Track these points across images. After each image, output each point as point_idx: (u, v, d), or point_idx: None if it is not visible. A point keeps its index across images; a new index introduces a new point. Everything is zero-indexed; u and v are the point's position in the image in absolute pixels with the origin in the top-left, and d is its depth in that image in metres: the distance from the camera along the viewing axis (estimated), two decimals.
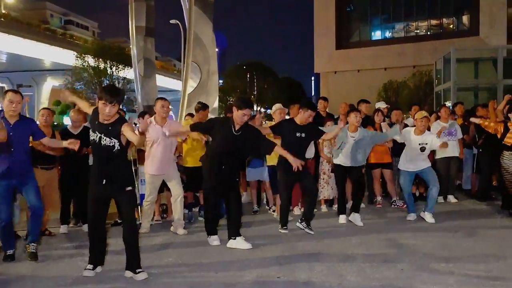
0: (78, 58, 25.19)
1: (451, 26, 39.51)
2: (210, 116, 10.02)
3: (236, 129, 5.28)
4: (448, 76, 17.37)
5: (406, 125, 7.99)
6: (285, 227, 6.06)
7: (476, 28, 35.84)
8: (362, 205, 7.35)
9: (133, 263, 4.31)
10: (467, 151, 8.51)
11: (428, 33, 39.69)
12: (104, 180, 4.27)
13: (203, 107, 7.20)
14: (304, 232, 5.91)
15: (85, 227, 5.98)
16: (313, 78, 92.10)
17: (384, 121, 7.98)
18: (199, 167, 6.92)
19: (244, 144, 5.33)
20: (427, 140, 6.61)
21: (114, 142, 4.24)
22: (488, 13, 35.15)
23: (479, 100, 17.89)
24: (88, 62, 24.90)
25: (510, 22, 35.13)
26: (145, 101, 10.89)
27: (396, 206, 7.72)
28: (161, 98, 6.25)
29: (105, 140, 4.24)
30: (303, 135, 5.93)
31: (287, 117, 7.14)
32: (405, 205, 7.70)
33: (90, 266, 4.38)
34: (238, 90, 32.22)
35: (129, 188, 4.37)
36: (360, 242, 5.46)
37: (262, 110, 36.77)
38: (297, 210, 7.33)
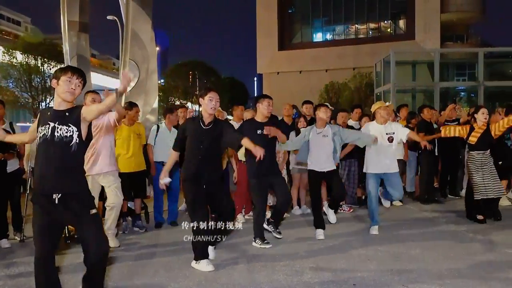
0: (5, 54, 23.51)
1: (389, 30, 40.75)
2: (150, 116, 9.54)
3: (206, 123, 4.84)
4: (387, 78, 17.70)
5: (349, 126, 7.88)
6: (265, 241, 5.51)
7: (412, 32, 37.16)
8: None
9: None
10: (411, 153, 8.51)
11: (367, 36, 40.71)
12: (56, 197, 3.27)
13: (129, 106, 6.58)
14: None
15: None
16: (256, 78, 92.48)
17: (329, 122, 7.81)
18: (133, 173, 6.44)
19: (217, 137, 4.85)
20: (393, 128, 6.09)
21: (72, 132, 3.33)
22: (423, 18, 36.55)
23: (417, 102, 18.39)
24: (16, 58, 23.26)
25: (443, 27, 36.74)
26: (78, 101, 10.16)
27: (343, 211, 7.56)
28: (92, 92, 5.66)
29: (60, 130, 3.32)
30: (263, 131, 5.40)
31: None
32: (351, 210, 7.56)
33: None
34: (179, 90, 31.43)
35: (94, 210, 3.39)
36: (308, 255, 5.19)
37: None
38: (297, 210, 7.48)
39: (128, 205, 6.72)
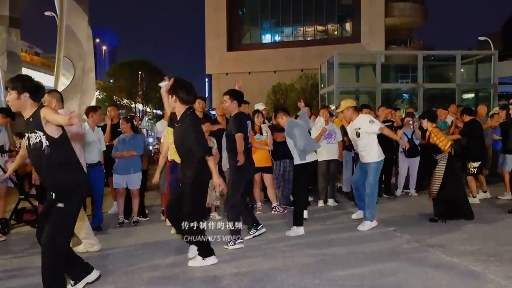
0: None
1: (336, 32, 41.42)
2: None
3: (178, 119, 4.68)
4: (331, 80, 17.82)
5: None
6: (240, 240, 5.41)
7: (358, 35, 37.93)
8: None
9: None
10: (347, 153, 8.50)
11: (315, 38, 41.19)
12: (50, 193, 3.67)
13: (93, 109, 6.65)
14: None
15: None
16: (207, 79, 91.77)
17: (264, 122, 7.68)
18: None
19: (184, 135, 4.62)
20: (359, 124, 6.38)
21: (40, 136, 3.49)
22: (368, 22, 37.39)
23: (360, 103, 18.62)
24: None
25: (388, 31, 37.75)
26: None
27: (276, 212, 7.43)
28: (47, 92, 5.15)
29: (31, 138, 3.53)
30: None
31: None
32: (285, 211, 7.43)
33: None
34: (123, 89, 30.47)
35: (60, 204, 3.58)
36: (230, 259, 4.98)
37: (148, 110, 35.32)
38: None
39: None
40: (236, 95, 5.68)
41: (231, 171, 5.59)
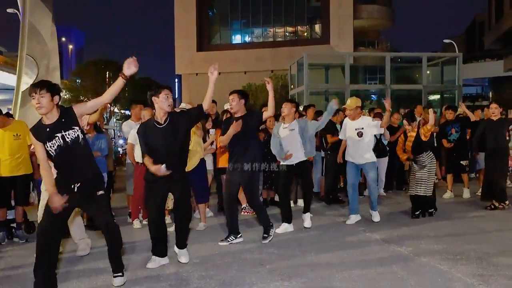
0: None
1: (305, 34, 41.61)
2: None
3: (162, 121, 4.55)
4: (301, 81, 17.88)
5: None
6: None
7: (327, 37, 38.19)
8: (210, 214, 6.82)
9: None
10: (316, 153, 8.49)
11: (285, 39, 41.31)
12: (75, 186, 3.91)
13: None
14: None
15: None
16: (177, 80, 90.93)
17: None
18: (14, 177, 5.93)
19: (177, 132, 4.55)
20: (363, 124, 6.60)
21: (77, 131, 3.86)
22: (337, 23, 37.68)
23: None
24: None
25: (356, 33, 38.17)
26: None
27: (246, 212, 7.36)
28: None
29: (69, 136, 3.82)
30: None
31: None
32: (254, 212, 7.36)
33: None
34: (89, 90, 29.72)
35: (101, 192, 4.01)
36: (199, 262, 4.88)
37: (116, 110, 34.66)
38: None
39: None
40: (244, 95, 5.74)
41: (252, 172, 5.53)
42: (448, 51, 36.44)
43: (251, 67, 38.12)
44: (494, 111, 7.52)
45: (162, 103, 4.51)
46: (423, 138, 6.75)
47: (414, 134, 6.82)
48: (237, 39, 43.15)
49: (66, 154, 3.84)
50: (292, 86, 20.29)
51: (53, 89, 3.78)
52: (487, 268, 4.41)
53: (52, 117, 3.82)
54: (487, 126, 7.67)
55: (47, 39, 8.80)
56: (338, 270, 4.47)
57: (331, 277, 4.26)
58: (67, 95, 29.60)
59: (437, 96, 18.98)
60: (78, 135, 3.85)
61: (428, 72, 17.72)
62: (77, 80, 32.26)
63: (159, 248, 4.73)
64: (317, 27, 40.74)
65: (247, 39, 42.82)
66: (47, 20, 8.81)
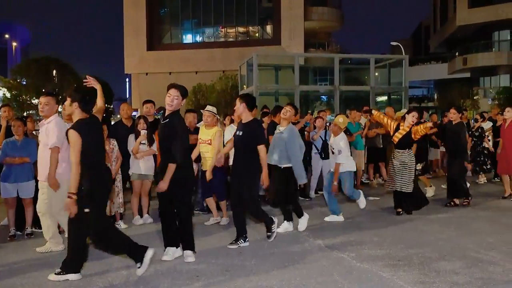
0: None
1: (257, 34, 41.59)
2: None
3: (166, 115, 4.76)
4: (251, 81, 17.68)
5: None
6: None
7: (278, 37, 38.32)
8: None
9: None
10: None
11: (236, 39, 41.10)
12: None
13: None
14: None
15: None
16: (127, 79, 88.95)
17: None
18: None
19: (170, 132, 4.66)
20: (334, 144, 6.74)
21: None
22: (288, 24, 37.89)
23: (280, 104, 18.63)
24: None
25: (307, 34, 38.51)
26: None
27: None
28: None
29: None
30: None
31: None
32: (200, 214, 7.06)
33: None
34: (31, 88, 28.31)
35: None
36: (123, 266, 4.52)
37: (60, 109, 33.27)
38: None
39: None
40: (249, 100, 5.57)
41: (250, 176, 5.38)
42: (395, 54, 37.36)
43: (202, 67, 37.70)
44: (452, 116, 7.94)
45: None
46: (414, 136, 6.88)
47: (407, 129, 6.90)
48: (188, 38, 42.60)
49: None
50: (243, 86, 20.05)
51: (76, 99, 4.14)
52: (428, 275, 4.31)
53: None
54: (448, 129, 8.08)
55: None
56: (277, 278, 4.25)
57: (269, 287, 4.02)
58: (5, 94, 28.09)
59: (384, 98, 19.27)
60: None
61: (376, 74, 17.93)
62: (23, 80, 30.69)
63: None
64: (269, 28, 40.83)
65: (198, 38, 42.34)
66: None
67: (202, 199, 7.34)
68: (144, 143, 6.75)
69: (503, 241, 5.45)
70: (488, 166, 10.03)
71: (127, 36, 40.36)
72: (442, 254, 4.96)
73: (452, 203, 7.71)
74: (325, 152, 8.39)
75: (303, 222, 6.24)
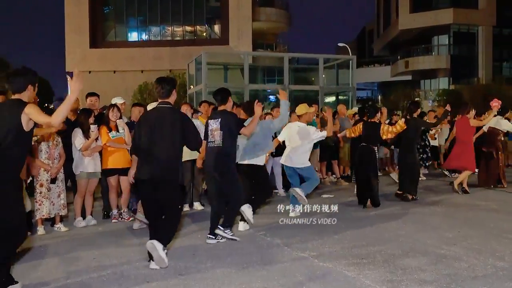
0: None
1: (204, 34, 41.05)
2: None
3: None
4: (199, 80, 17.34)
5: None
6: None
7: (226, 37, 37.97)
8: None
9: None
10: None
11: (184, 38, 40.38)
12: None
13: None
14: None
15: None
16: (69, 77, 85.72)
17: (121, 117, 6.74)
18: None
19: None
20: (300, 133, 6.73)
21: None
22: (236, 24, 37.65)
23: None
24: None
25: (255, 35, 38.45)
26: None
27: (122, 219, 6.58)
28: None
29: None
30: None
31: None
32: (130, 219, 6.59)
33: None
34: None
35: None
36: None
37: None
38: None
39: None
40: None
41: (233, 171, 5.37)
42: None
43: (148, 66, 36.69)
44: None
45: None
46: (383, 135, 7.19)
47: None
48: (133, 36, 41.40)
49: None
50: (191, 86, 19.59)
51: None
52: (395, 272, 4.11)
53: None
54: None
55: None
56: (235, 282, 3.91)
57: None
58: None
59: (333, 98, 19.43)
60: None
61: (324, 75, 18.05)
62: None
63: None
64: (216, 28, 40.43)
65: (144, 37, 41.24)
66: None
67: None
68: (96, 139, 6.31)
69: (463, 236, 5.39)
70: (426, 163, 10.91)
71: (69, 32, 38.66)
72: (405, 251, 4.80)
73: (403, 196, 7.81)
74: (276, 151, 8.18)
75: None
